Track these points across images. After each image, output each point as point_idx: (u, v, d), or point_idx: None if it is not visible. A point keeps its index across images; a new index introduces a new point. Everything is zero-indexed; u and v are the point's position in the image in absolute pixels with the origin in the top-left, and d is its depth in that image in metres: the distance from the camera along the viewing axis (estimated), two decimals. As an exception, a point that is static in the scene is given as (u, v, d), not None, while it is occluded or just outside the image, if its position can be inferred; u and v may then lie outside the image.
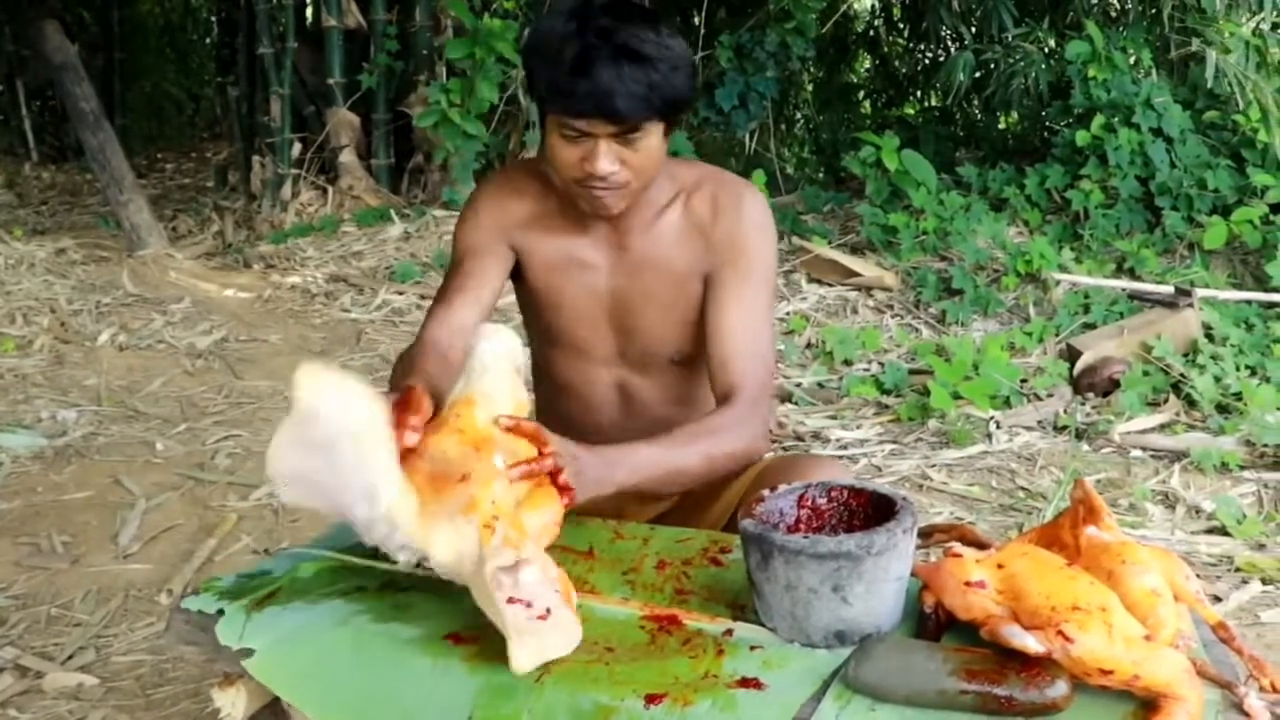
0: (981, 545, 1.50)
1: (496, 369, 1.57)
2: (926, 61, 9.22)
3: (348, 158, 7.31)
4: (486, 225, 1.93)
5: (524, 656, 1.33)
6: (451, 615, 1.47)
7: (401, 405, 1.50)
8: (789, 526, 1.48)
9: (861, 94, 9.81)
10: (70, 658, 2.71)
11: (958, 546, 1.41)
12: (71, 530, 3.34)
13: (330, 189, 7.31)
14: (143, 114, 12.61)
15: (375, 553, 1.65)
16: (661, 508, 2.07)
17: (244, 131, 8.46)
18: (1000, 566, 1.34)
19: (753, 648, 1.38)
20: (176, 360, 4.86)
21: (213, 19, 12.77)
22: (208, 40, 13.26)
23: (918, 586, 1.42)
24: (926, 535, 1.58)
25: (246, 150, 8.12)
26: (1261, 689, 1.31)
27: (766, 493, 1.49)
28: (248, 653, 1.44)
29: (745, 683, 1.30)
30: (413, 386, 1.54)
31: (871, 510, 1.47)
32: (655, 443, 1.68)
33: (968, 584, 1.33)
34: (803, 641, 1.38)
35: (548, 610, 1.36)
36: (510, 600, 1.34)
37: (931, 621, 1.37)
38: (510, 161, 2.15)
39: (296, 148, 7.35)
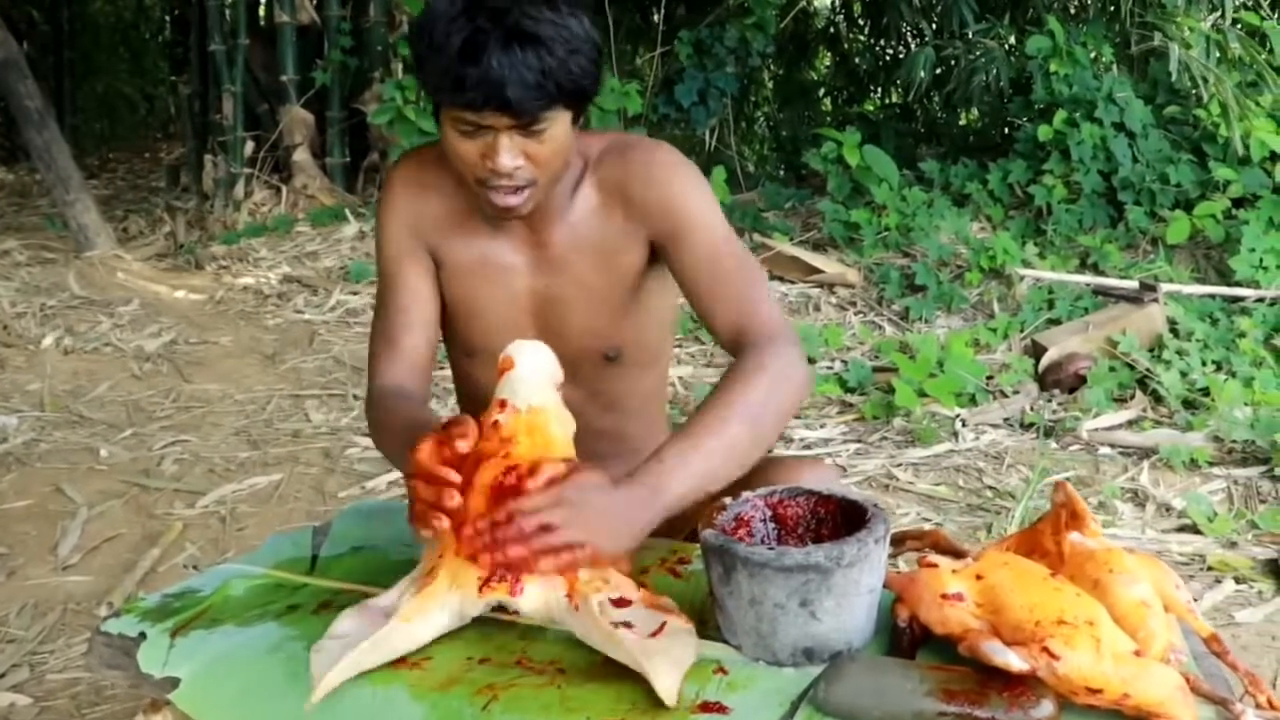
0: (957, 553, 1.41)
1: (540, 389, 1.45)
2: (887, 58, 9.17)
3: (301, 156, 7.19)
4: (405, 232, 1.77)
5: (667, 680, 1.23)
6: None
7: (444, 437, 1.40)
8: (752, 536, 1.39)
9: (822, 91, 9.75)
10: (2, 676, 2.59)
11: (932, 555, 1.33)
12: (8, 541, 3.22)
13: (284, 188, 7.18)
14: (95, 114, 12.45)
15: (312, 566, 1.56)
16: None
17: (196, 130, 8.32)
18: (979, 577, 1.26)
19: (715, 669, 1.29)
20: (124, 364, 4.73)
21: (166, 17, 12.59)
22: (161, 39, 13.08)
23: (890, 599, 1.33)
24: (898, 543, 1.49)
25: (199, 149, 7.98)
26: (1258, 705, 1.23)
27: (728, 500, 1.39)
28: (173, 681, 1.33)
29: (707, 707, 1.21)
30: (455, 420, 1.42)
31: (841, 518, 1.38)
32: (684, 434, 1.45)
33: (944, 596, 1.25)
34: (769, 660, 1.29)
35: (661, 625, 1.29)
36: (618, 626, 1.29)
37: (906, 637, 1.29)
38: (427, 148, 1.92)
39: (249, 146, 7.23)
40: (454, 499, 1.32)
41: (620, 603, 1.33)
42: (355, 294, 5.68)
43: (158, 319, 5.27)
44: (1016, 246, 5.38)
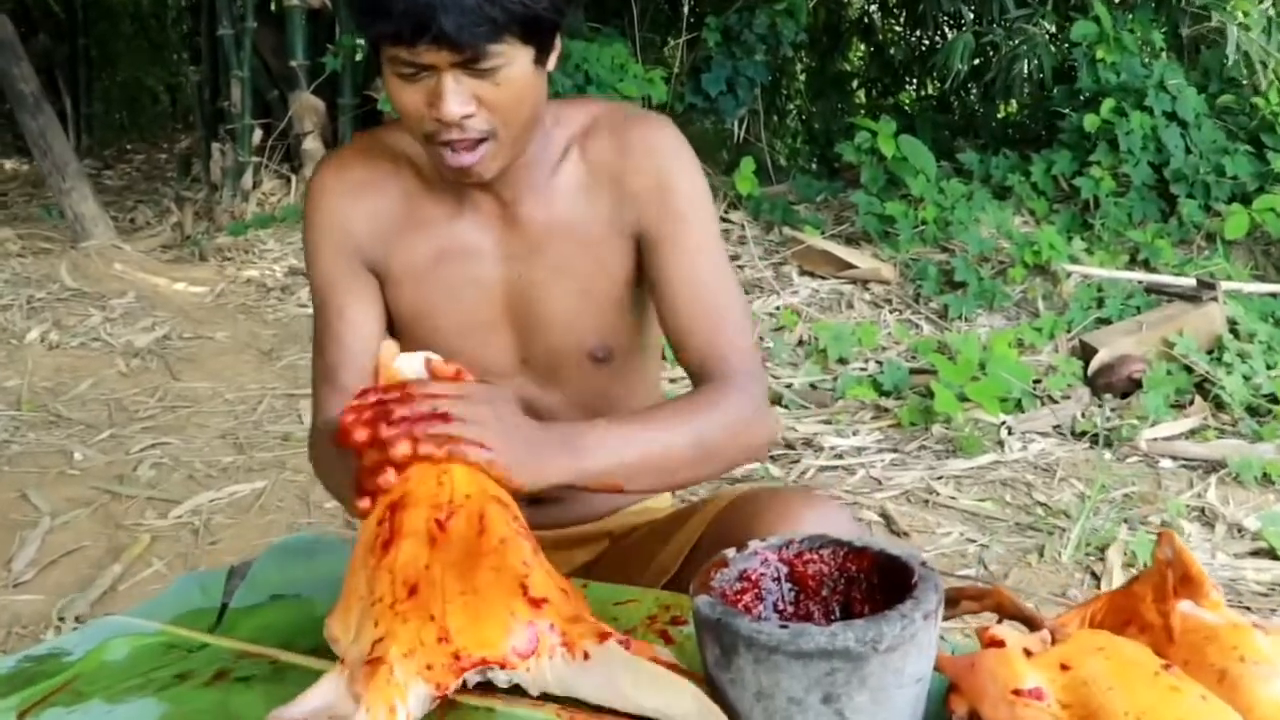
0: (1028, 621, 1.09)
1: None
2: (923, 48, 8.87)
3: (312, 144, 6.90)
4: (335, 251, 1.49)
5: None
6: None
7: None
8: (762, 601, 1.08)
9: (855, 83, 9.45)
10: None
11: (998, 627, 1.01)
12: (-40, 554, 2.95)
13: (294, 177, 6.92)
14: (115, 105, 12.28)
15: (219, 620, 1.27)
16: (593, 551, 1.67)
17: (205, 119, 8.07)
18: (1064, 667, 0.94)
19: None
20: (110, 360, 4.46)
21: (183, 3, 12.38)
22: (181, 28, 12.87)
23: (942, 688, 1.02)
24: (950, 603, 1.17)
25: (208, 138, 7.73)
26: None
27: (731, 553, 1.07)
28: None
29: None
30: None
31: (878, 578, 1.07)
32: (627, 419, 1.32)
33: (1018, 693, 0.93)
34: None
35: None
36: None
37: None
38: (353, 140, 1.67)
39: (258, 134, 6.96)
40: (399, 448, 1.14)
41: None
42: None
43: (152, 313, 5.00)
44: (1063, 241, 5.05)
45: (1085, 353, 4.19)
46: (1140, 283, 4.75)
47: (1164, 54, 6.14)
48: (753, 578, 1.06)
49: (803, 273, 5.32)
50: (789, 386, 4.06)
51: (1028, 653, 0.98)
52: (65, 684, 1.15)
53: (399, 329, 1.54)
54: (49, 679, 1.16)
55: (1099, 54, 5.96)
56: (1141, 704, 0.89)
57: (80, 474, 3.45)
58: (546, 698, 1.06)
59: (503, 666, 1.04)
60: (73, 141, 7.85)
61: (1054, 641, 1.01)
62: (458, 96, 1.29)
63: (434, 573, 1.07)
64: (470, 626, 1.05)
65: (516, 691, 1.06)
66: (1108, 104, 5.66)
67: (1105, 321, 4.52)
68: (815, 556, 1.08)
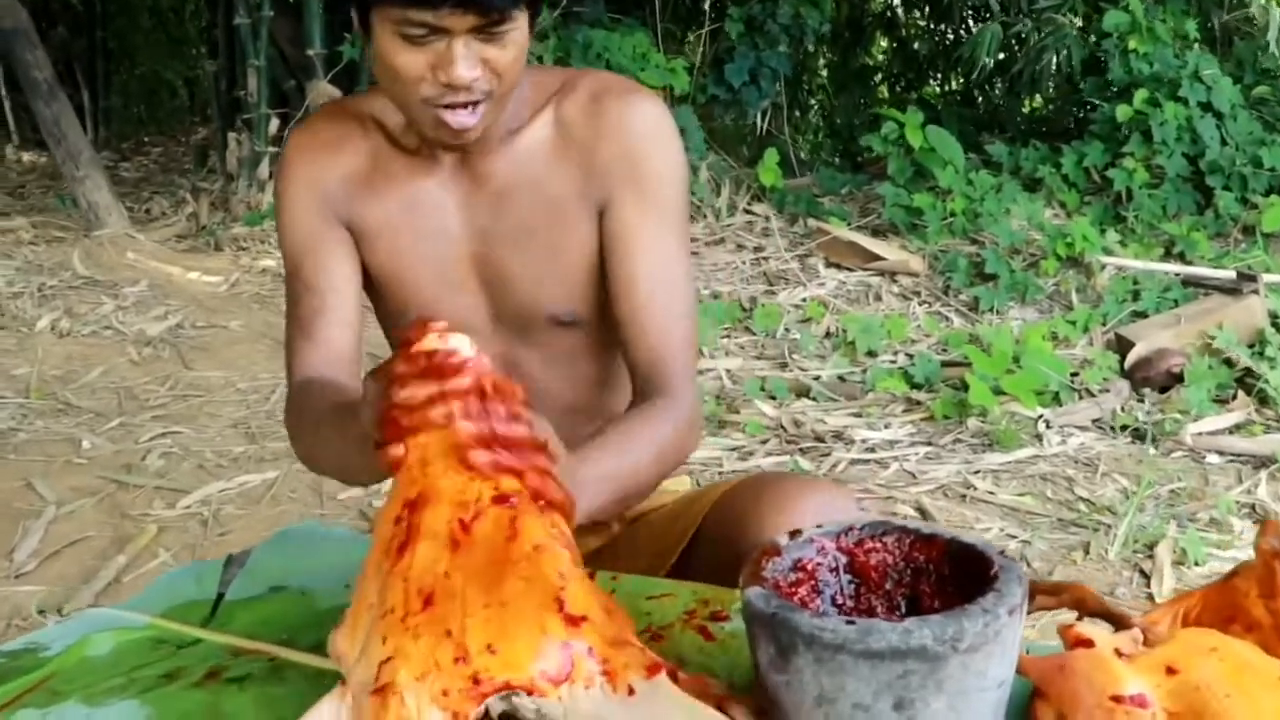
0: (1114, 619, 0.97)
1: None
2: (948, 42, 8.76)
3: (329, 134, 6.79)
4: (311, 208, 1.44)
5: None
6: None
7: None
8: (819, 594, 0.96)
9: (878, 77, 9.34)
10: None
11: (1084, 625, 0.90)
12: (-39, 544, 2.85)
13: (311, 168, 6.80)
14: (133, 98, 12.23)
15: (213, 613, 1.16)
16: (605, 536, 1.56)
17: (222, 109, 7.98)
18: (1170, 671, 0.82)
19: None
20: (122, 348, 4.37)
21: (203, -1, 12.32)
22: (200, 22, 12.80)
23: (1024, 693, 0.90)
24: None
25: (224, 128, 7.63)
26: None
27: (784, 540, 0.95)
28: None
29: None
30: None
31: (950, 569, 0.95)
32: (600, 446, 1.25)
33: (1117, 699, 0.81)
34: None
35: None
36: None
37: None
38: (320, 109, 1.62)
39: (274, 124, 6.85)
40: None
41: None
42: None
43: (165, 301, 4.91)
44: (1096, 233, 4.91)
45: (1121, 346, 4.07)
46: (1177, 275, 4.63)
47: (1196, 45, 6.01)
48: (809, 568, 0.94)
49: (829, 265, 5.20)
50: (817, 379, 3.94)
51: (1119, 654, 0.86)
52: (41, 682, 1.04)
53: (377, 287, 1.48)
54: (23, 676, 1.05)
55: (1131, 44, 5.83)
56: (1265, 713, 0.77)
57: (87, 463, 3.36)
58: None
59: (529, 692, 0.89)
60: (90, 134, 7.78)
61: (1146, 642, 0.89)
62: (468, 60, 1.25)
63: (454, 582, 0.93)
64: (493, 644, 0.90)
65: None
66: (1141, 94, 5.53)
67: (1141, 315, 4.40)
68: (878, 545, 0.96)
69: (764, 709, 0.87)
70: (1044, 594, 1.03)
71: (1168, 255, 5.02)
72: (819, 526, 0.96)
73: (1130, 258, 4.86)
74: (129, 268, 5.33)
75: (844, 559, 0.96)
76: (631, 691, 0.89)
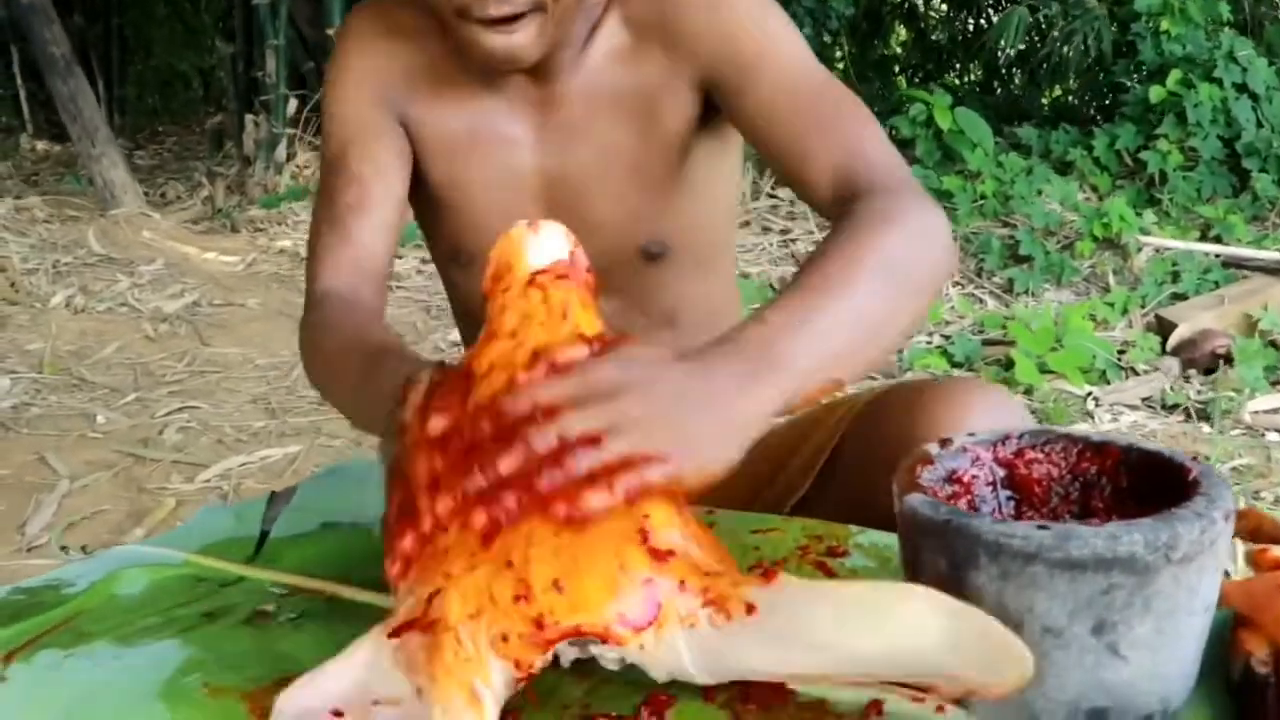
0: (1288, 547, 0.85)
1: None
2: (969, 32, 8.67)
3: (347, 116, 6.70)
4: (366, 92, 1.27)
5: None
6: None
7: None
8: (976, 510, 0.82)
9: (897, 68, 9.25)
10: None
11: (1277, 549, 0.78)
12: (-28, 516, 2.76)
13: (328, 150, 6.70)
14: (148, 88, 12.18)
15: (256, 551, 1.05)
16: None
17: (239, 92, 7.89)
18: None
19: None
20: (137, 325, 4.26)
21: (221, -11, 12.26)
22: (220, 9, 12.73)
23: (1221, 625, 0.77)
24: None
25: (241, 111, 7.54)
26: None
27: (934, 449, 0.83)
28: None
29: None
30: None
31: (1127, 481, 0.82)
32: (792, 294, 0.92)
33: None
34: None
35: None
36: None
37: (1272, 692, 0.72)
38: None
39: (292, 105, 6.76)
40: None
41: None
42: (399, 257, 5.17)
43: (182, 279, 4.81)
44: (1133, 213, 4.80)
45: (1162, 328, 3.97)
46: (1218, 256, 4.51)
47: (1228, 28, 5.90)
48: (964, 480, 0.82)
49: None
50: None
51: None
52: (64, 620, 0.93)
53: (431, 210, 1.32)
54: (43, 613, 0.93)
55: (1163, 25, 5.73)
56: None
57: (102, 437, 3.26)
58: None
59: (604, 640, 0.76)
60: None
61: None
62: None
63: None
64: (561, 580, 0.76)
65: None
66: (1174, 75, 5.43)
67: (1180, 297, 4.29)
68: (1040, 455, 0.83)
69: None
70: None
71: (1203, 238, 4.91)
72: (971, 435, 0.84)
73: (1168, 238, 4.76)
74: (145, 246, 5.23)
75: (1001, 472, 0.84)
76: (751, 609, 0.74)
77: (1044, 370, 3.44)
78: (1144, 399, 3.37)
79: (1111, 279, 4.52)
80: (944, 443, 0.83)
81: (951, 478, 0.81)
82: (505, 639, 0.75)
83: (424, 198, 1.31)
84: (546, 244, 0.89)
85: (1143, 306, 4.24)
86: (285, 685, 0.77)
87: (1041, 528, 0.68)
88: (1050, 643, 0.70)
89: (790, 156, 1.14)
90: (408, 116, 1.27)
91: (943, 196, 5.28)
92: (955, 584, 0.71)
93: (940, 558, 0.73)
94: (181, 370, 3.83)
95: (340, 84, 1.28)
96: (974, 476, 0.82)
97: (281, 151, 6.72)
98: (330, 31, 6.59)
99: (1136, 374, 3.58)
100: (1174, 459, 0.78)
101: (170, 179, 7.42)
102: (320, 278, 1.22)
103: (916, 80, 9.06)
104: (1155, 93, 5.41)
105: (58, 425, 3.33)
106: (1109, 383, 3.48)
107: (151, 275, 4.82)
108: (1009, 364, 3.46)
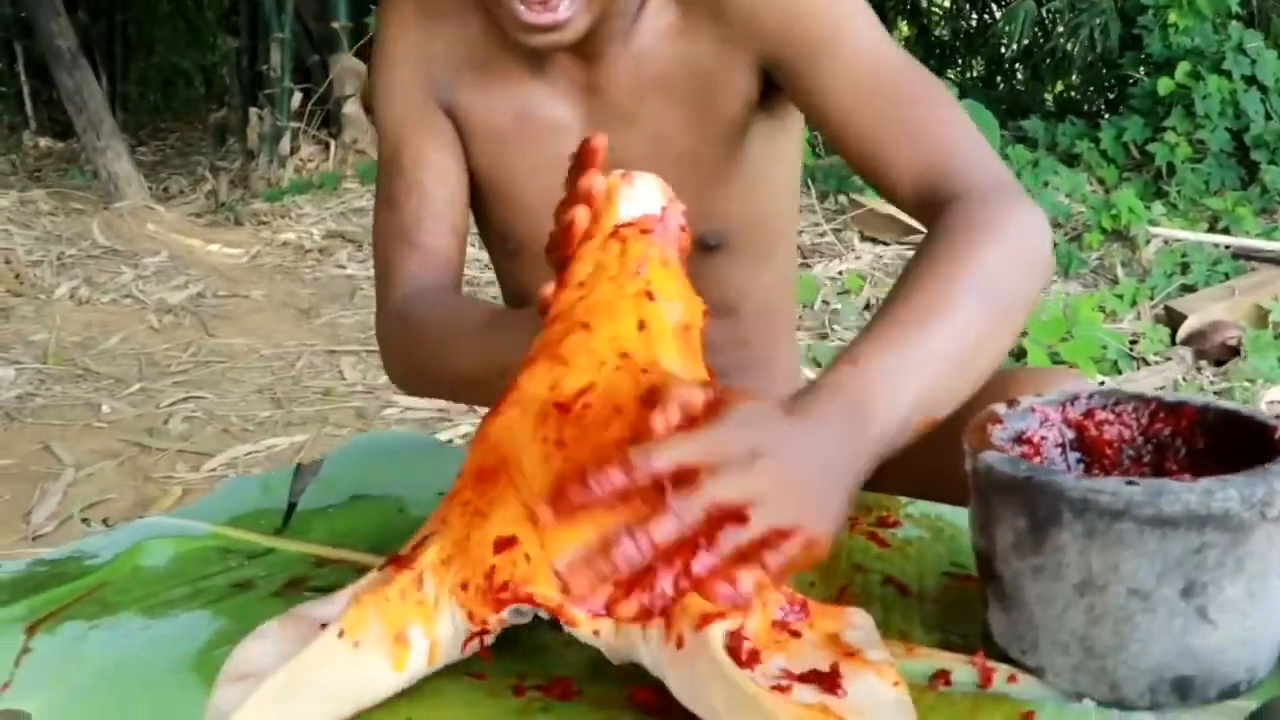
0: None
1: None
2: (971, 28, 8.65)
3: (352, 109, 6.66)
4: (411, 84, 1.21)
5: None
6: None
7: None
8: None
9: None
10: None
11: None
12: (-24, 505, 2.73)
13: (333, 143, 6.68)
14: (150, 86, 12.16)
15: (285, 522, 1.02)
16: None
17: (243, 86, 7.86)
18: None
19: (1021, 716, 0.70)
20: (142, 316, 4.24)
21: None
22: (223, 4, 12.70)
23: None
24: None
25: (245, 105, 7.51)
26: None
27: (1001, 409, 0.80)
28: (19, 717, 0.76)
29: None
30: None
31: (1205, 443, 0.79)
32: (887, 322, 0.85)
33: None
34: (1102, 697, 0.70)
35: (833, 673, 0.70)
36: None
37: None
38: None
39: (297, 98, 6.73)
40: None
41: (786, 632, 0.75)
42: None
43: (186, 271, 4.78)
44: (1142, 205, 4.78)
45: (1172, 320, 3.94)
46: (1227, 248, 4.49)
47: (1235, 20, 5.89)
48: (1034, 440, 0.79)
49: (864, 238, 5.09)
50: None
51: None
52: (88, 592, 0.90)
53: (479, 198, 1.26)
54: (66, 584, 0.91)
55: (1171, 18, 5.70)
56: None
57: (107, 427, 3.23)
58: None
59: (557, 615, 0.74)
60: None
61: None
62: None
63: (523, 455, 0.77)
64: (533, 555, 0.74)
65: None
66: (1183, 67, 5.41)
67: (1190, 289, 4.27)
68: (1111, 416, 0.80)
69: (1001, 605, 0.73)
70: None
71: (1211, 231, 4.89)
72: (1038, 395, 0.81)
73: (1177, 231, 4.74)
74: (149, 239, 5.20)
75: (1071, 433, 0.81)
76: (681, 644, 0.71)
77: (1056, 360, 3.41)
78: (1158, 389, 3.35)
79: (1120, 271, 4.49)
80: (1011, 403, 0.80)
81: (1020, 438, 0.78)
82: (465, 587, 0.74)
83: (471, 184, 1.25)
84: (640, 195, 0.86)
85: (1151, 298, 4.22)
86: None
87: (1130, 483, 0.66)
88: (1136, 606, 0.67)
89: (867, 150, 1.06)
90: (453, 102, 1.22)
91: (949, 189, 5.26)
92: (1035, 544, 0.68)
93: (1020, 517, 0.70)
94: (186, 360, 3.80)
95: (386, 69, 1.23)
96: (1043, 437, 0.80)
97: (285, 145, 6.69)
98: (335, 25, 6.58)
99: (1148, 364, 3.56)
100: (1256, 418, 0.75)
101: (173, 174, 7.41)
102: (397, 286, 1.17)
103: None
104: (1163, 85, 5.39)
105: (62, 415, 3.30)
106: (1121, 373, 3.45)
107: (156, 267, 4.79)
108: (1020, 354, 3.44)
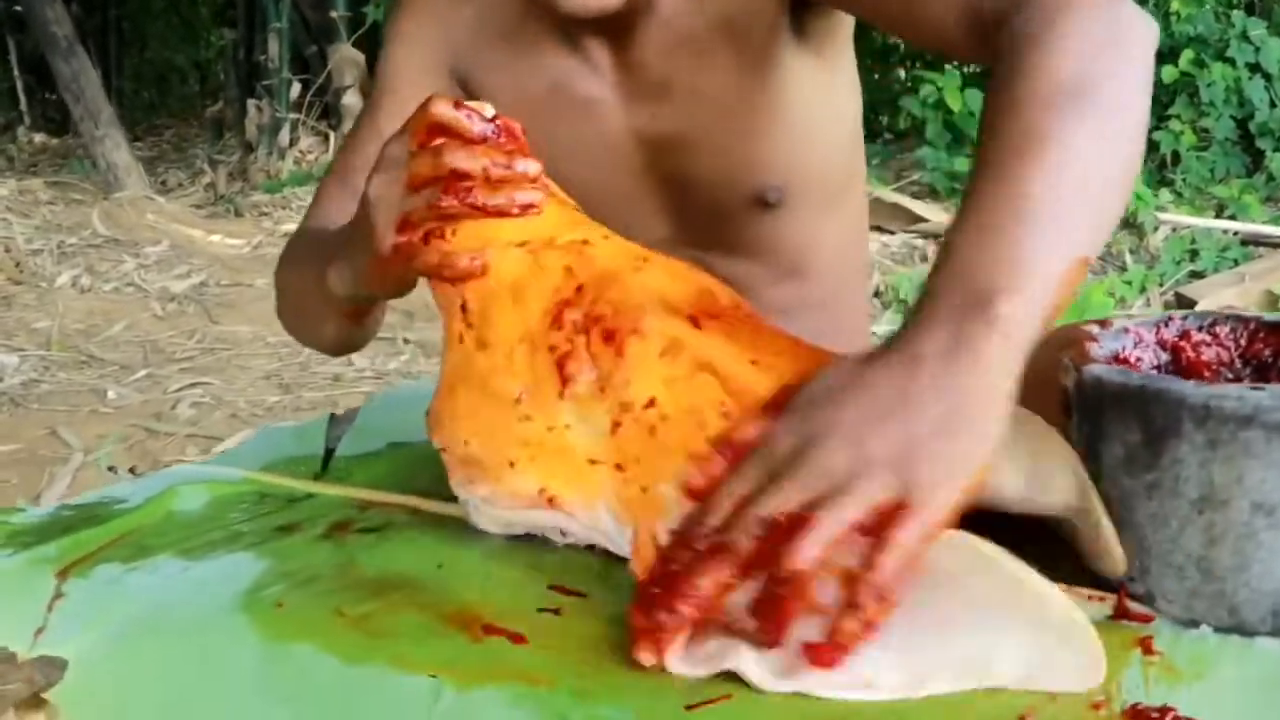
0: None
1: None
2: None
3: (351, 99, 6.62)
4: (422, 47, 1.16)
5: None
6: (470, 581, 0.76)
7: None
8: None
9: (894, 58, 9.19)
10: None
11: None
12: (-13, 490, 2.70)
13: (332, 134, 6.65)
14: (145, 82, 12.14)
15: (324, 468, 0.99)
16: None
17: (241, 78, 7.82)
18: None
19: (1134, 642, 0.66)
20: (145, 304, 4.21)
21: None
22: (213, 7, 12.67)
23: None
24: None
25: (243, 97, 7.47)
26: None
27: (1094, 328, 0.76)
28: (53, 667, 0.71)
29: (1140, 717, 0.58)
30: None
31: None
32: (974, 181, 0.72)
33: None
34: (1220, 623, 0.66)
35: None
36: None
37: None
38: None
39: (296, 89, 6.69)
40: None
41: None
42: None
43: (188, 261, 4.75)
44: (1149, 192, 4.76)
45: (1181, 306, 3.93)
46: (1236, 234, 4.48)
47: (1237, 8, 5.88)
48: (1130, 360, 0.76)
49: (872, 228, 5.04)
50: (871, 335, 3.79)
51: None
52: (121, 535, 0.86)
53: None
54: (97, 526, 0.87)
55: (1173, 6, 5.69)
56: None
57: (114, 412, 3.21)
58: None
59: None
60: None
61: None
62: None
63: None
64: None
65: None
66: (1187, 55, 5.39)
67: (1198, 275, 4.26)
68: (1208, 337, 0.77)
69: (1110, 524, 0.69)
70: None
71: (1218, 218, 4.88)
72: (1131, 315, 0.78)
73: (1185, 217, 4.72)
74: (149, 229, 5.17)
75: (1165, 355, 0.78)
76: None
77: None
78: (1174, 371, 3.34)
79: (1128, 258, 4.48)
80: (1103, 323, 0.77)
81: (1116, 359, 0.75)
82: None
83: None
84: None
85: (1160, 285, 4.20)
86: (377, 597, 0.72)
87: (1255, 388, 0.62)
88: (1261, 522, 0.63)
89: (901, 8, 0.92)
90: (467, 75, 1.16)
91: (953, 178, 5.24)
92: (1150, 458, 0.65)
93: (1133, 429, 0.66)
94: (192, 347, 3.78)
95: (395, 43, 1.18)
96: (1139, 359, 0.76)
97: (284, 136, 6.67)
98: (333, 15, 6.54)
99: (1162, 348, 3.54)
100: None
101: (170, 168, 7.37)
102: (311, 217, 1.14)
103: (915, 67, 9.01)
104: (1168, 73, 5.36)
105: (68, 401, 3.27)
106: (1135, 356, 3.44)
107: (157, 256, 4.76)
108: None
